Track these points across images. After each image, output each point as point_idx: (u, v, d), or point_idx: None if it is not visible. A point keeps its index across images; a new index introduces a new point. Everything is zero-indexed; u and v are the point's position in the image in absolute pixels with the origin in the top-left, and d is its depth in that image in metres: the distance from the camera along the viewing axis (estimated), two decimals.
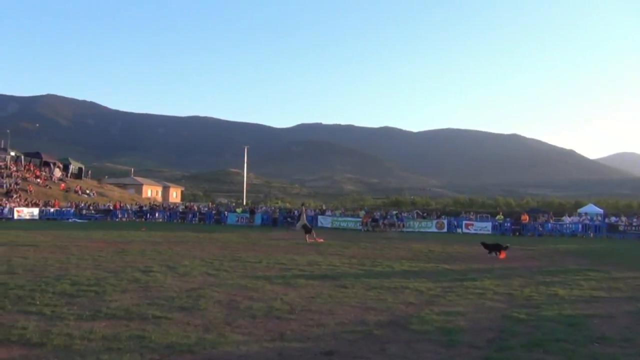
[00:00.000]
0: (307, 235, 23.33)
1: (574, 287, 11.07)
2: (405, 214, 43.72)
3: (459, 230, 36.39)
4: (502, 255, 17.57)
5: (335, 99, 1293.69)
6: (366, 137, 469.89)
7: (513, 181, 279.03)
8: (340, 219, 41.13)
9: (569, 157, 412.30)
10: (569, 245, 25.05)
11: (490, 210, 59.48)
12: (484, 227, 36.48)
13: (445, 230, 36.59)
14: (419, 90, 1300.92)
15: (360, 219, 39.10)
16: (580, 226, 36.01)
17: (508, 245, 18.55)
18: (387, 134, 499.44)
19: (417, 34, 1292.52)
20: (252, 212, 44.31)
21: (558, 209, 61.71)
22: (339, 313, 7.96)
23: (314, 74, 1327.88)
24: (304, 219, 25.00)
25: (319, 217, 41.62)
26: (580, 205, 61.68)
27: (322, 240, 24.03)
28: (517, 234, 34.88)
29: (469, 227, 36.70)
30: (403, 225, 37.35)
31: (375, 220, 38.40)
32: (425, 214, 44.97)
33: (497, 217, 39.40)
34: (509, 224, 36.54)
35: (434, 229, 36.71)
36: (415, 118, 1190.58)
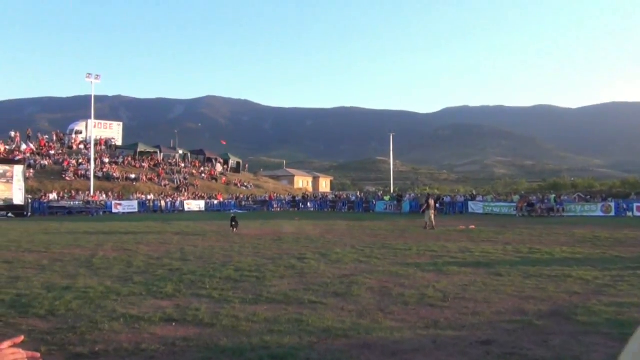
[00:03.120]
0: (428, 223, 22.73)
1: None
2: (566, 198, 40.65)
3: (629, 214, 33.00)
4: None
5: (481, 80, 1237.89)
6: (518, 117, 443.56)
7: None
8: (492, 204, 39.50)
9: None
10: None
11: None
12: None
13: (612, 214, 33.42)
14: (576, 63, 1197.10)
15: (514, 204, 37.20)
16: None
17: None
18: (542, 112, 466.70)
19: None
20: (400, 199, 44.22)
21: None
22: (495, 302, 7.65)
23: (457, 56, 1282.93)
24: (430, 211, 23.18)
25: (470, 202, 40.36)
26: None
27: (473, 226, 23.30)
28: None
29: None
30: (563, 210, 34.81)
31: (531, 204, 36.27)
32: (588, 197, 41.41)
33: None
34: None
35: (599, 213, 33.71)
36: (574, 93, 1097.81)
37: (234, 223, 21.41)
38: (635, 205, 33.99)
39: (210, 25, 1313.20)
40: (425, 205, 23.92)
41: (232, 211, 39.23)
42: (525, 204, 36.22)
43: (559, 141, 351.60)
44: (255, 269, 10.72)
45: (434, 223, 22.61)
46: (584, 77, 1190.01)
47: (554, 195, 40.69)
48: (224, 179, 62.82)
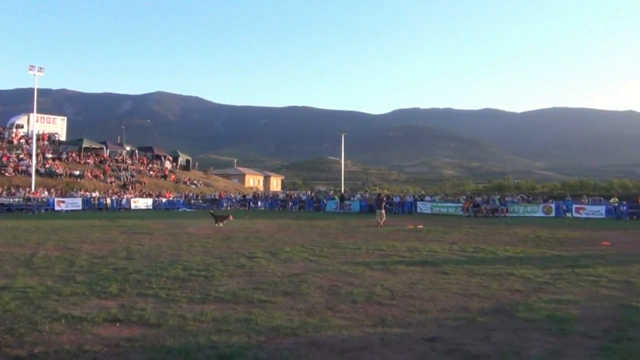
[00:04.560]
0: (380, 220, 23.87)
1: None
2: (509, 199, 42.02)
3: (568, 215, 34.44)
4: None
5: (432, 83, 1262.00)
6: (466, 120, 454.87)
7: (630, 161, 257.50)
8: (440, 204, 40.35)
9: None
10: None
11: (603, 193, 55.57)
12: (596, 211, 34.25)
13: (553, 215, 34.79)
14: (520, 69, 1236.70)
15: (460, 204, 38.14)
16: None
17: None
18: (488, 116, 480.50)
19: (510, 5, 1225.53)
20: (342, 199, 44.72)
21: None
22: (441, 299, 7.83)
23: (408, 59, 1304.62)
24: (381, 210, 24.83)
25: (418, 202, 41.08)
26: None
27: (421, 226, 23.75)
28: (635, 217, 32.43)
29: (580, 211, 34.60)
30: (507, 210, 35.96)
31: (477, 205, 37.29)
32: (530, 198, 42.97)
33: (612, 200, 36.74)
34: (625, 208, 34.00)
35: (540, 214, 35.04)
36: (518, 98, 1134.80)
37: (221, 223, 22.92)
38: (574, 206, 35.49)
39: (160, 18, 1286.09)
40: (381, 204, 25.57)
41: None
42: (471, 205, 37.21)
43: (504, 144, 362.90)
44: (204, 268, 10.58)
45: (382, 222, 23.44)
46: (528, 82, 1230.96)
47: (498, 196, 41.98)
48: (173, 176, 61.70)
